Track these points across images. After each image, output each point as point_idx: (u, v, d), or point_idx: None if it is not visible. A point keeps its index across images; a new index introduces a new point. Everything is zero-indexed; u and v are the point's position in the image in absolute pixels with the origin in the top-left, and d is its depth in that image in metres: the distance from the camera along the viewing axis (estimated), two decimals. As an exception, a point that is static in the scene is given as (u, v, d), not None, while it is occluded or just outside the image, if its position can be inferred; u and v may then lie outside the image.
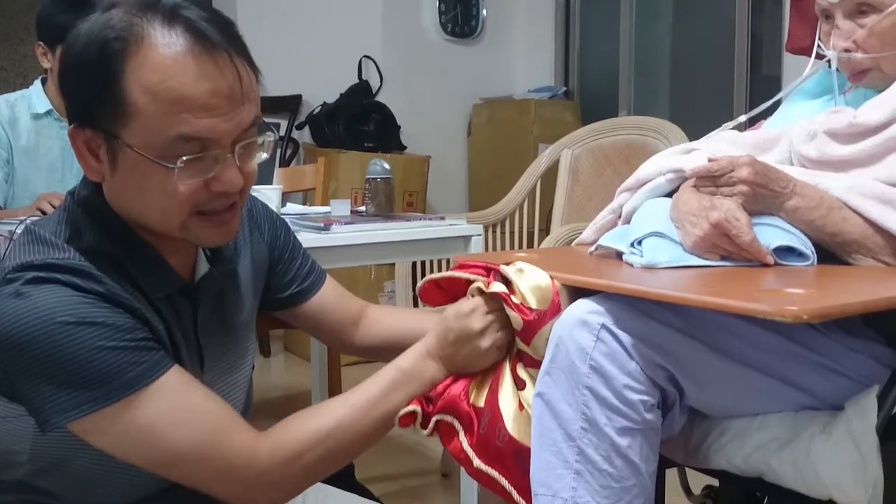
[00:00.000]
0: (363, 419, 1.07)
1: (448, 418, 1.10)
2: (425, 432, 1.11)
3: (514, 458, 1.07)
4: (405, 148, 4.38)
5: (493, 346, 1.11)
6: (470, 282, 1.15)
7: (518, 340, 1.10)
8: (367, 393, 1.09)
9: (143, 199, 0.99)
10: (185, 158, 0.94)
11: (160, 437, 0.95)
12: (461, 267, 1.19)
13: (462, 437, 1.09)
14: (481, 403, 1.09)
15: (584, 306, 1.04)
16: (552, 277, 1.10)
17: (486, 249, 2.82)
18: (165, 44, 0.93)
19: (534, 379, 1.08)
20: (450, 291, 1.21)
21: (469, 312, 1.12)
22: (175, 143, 0.94)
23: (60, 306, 0.91)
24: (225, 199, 1.00)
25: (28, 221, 1.04)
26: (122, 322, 0.94)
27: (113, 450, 0.96)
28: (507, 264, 1.13)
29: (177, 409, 0.96)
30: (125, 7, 0.96)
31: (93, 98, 0.95)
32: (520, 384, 1.10)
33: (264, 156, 1.04)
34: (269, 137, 1.03)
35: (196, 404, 0.99)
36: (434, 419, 1.10)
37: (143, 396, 0.94)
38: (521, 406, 1.08)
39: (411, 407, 1.09)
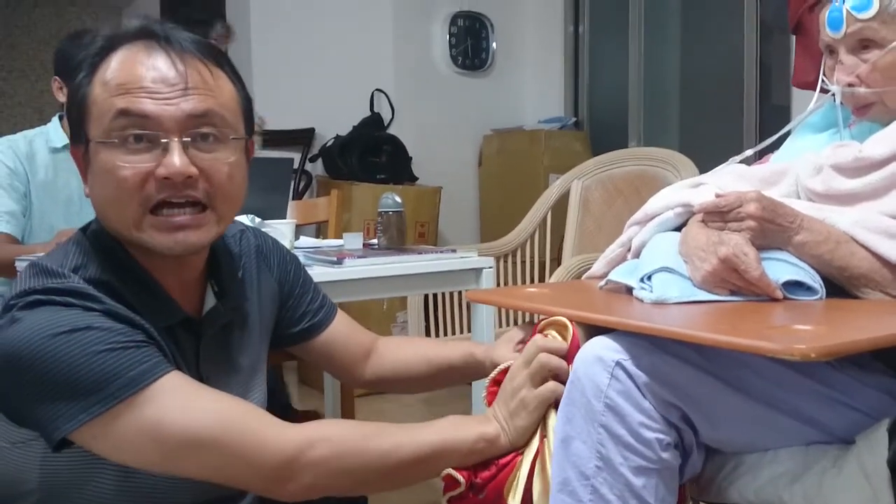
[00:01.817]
0: (398, 432, 1.05)
1: None
2: None
3: None
4: (417, 179, 4.41)
5: (537, 378, 1.09)
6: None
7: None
8: (406, 425, 1.09)
9: (104, 194, 1.02)
10: (126, 132, 0.99)
11: (171, 427, 0.94)
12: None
13: None
14: None
15: (599, 343, 1.05)
16: (571, 321, 1.11)
17: (498, 280, 2.83)
18: (128, 48, 1.02)
19: None
20: None
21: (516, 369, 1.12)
22: (117, 120, 0.99)
23: (52, 321, 0.93)
24: (173, 191, 1.00)
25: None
26: (119, 327, 0.95)
27: (125, 454, 0.95)
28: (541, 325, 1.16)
29: (187, 400, 0.96)
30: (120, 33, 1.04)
31: (73, 110, 1.03)
32: None
33: (230, 158, 1.04)
34: (230, 135, 1.05)
35: (207, 395, 0.99)
36: None
37: (150, 393, 0.94)
38: None
39: (458, 475, 1.07)
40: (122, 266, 1.04)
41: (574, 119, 4.77)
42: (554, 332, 1.13)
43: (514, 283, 2.93)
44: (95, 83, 1.01)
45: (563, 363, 1.09)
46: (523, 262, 2.97)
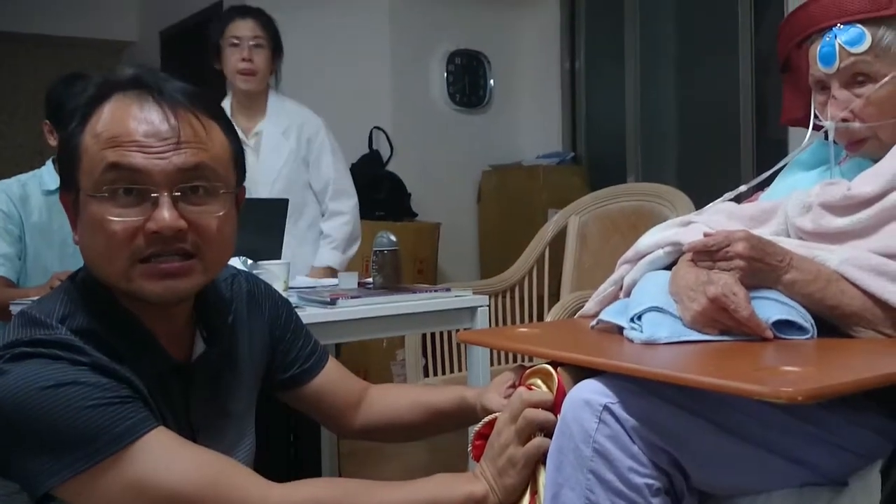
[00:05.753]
0: (385, 491, 1.04)
1: None
2: None
3: None
4: (416, 215, 4.41)
5: (522, 439, 1.08)
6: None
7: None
8: (393, 483, 1.07)
9: (93, 246, 1.01)
10: (116, 186, 0.98)
11: (156, 484, 0.94)
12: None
13: None
14: None
15: (586, 387, 1.03)
16: (555, 367, 1.10)
17: (496, 317, 2.82)
18: (120, 99, 1.01)
19: None
20: None
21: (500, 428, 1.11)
22: (107, 173, 0.98)
23: (39, 375, 0.93)
24: (163, 245, 1.00)
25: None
26: (105, 382, 0.95)
27: None
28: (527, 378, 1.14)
29: (172, 457, 0.96)
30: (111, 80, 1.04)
31: (64, 159, 1.03)
32: None
33: (220, 212, 1.04)
34: (221, 188, 1.04)
35: (192, 452, 0.98)
36: None
37: (134, 450, 0.94)
38: None
39: None
40: (110, 314, 1.04)
41: (572, 154, 4.78)
42: (539, 382, 1.12)
43: (513, 319, 2.92)
44: (87, 134, 1.01)
45: (550, 416, 1.07)
46: (521, 299, 2.96)
